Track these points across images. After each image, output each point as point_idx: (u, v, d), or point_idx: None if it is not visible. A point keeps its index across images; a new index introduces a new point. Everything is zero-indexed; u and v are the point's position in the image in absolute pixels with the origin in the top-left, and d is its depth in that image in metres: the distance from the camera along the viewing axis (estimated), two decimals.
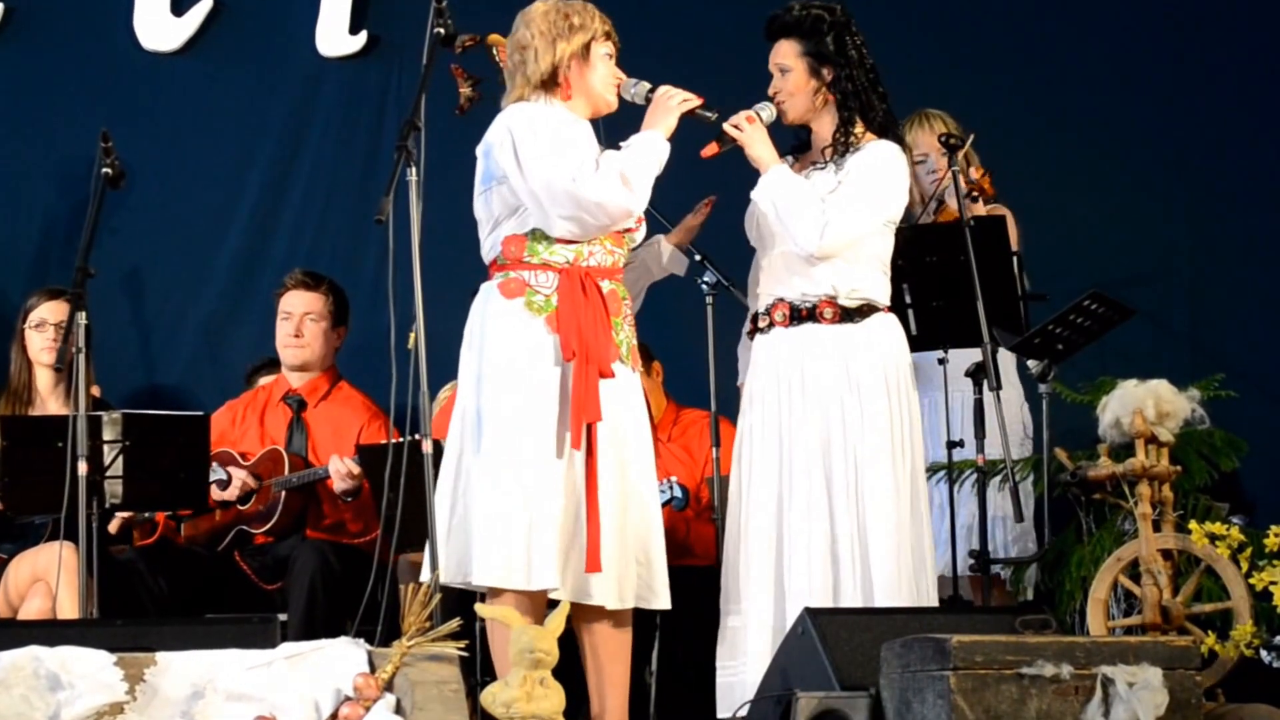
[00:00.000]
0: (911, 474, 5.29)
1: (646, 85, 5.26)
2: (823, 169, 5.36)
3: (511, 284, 5.14)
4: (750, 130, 5.34)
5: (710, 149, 5.37)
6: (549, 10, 5.20)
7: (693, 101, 5.25)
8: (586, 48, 5.19)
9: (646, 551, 5.11)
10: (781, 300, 5.34)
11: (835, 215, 5.23)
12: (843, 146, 5.35)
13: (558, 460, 5.03)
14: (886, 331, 5.34)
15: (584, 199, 5.03)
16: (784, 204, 5.27)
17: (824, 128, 5.42)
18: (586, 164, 5.06)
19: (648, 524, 5.12)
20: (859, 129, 5.36)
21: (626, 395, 5.15)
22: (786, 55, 5.41)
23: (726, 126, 5.34)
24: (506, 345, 5.11)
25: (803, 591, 5.14)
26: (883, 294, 5.36)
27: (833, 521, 5.19)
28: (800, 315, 5.31)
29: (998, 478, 5.79)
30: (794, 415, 5.26)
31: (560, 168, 5.04)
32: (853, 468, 5.22)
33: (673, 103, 5.21)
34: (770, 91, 5.43)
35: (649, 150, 5.13)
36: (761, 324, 5.38)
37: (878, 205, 5.32)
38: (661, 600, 5.12)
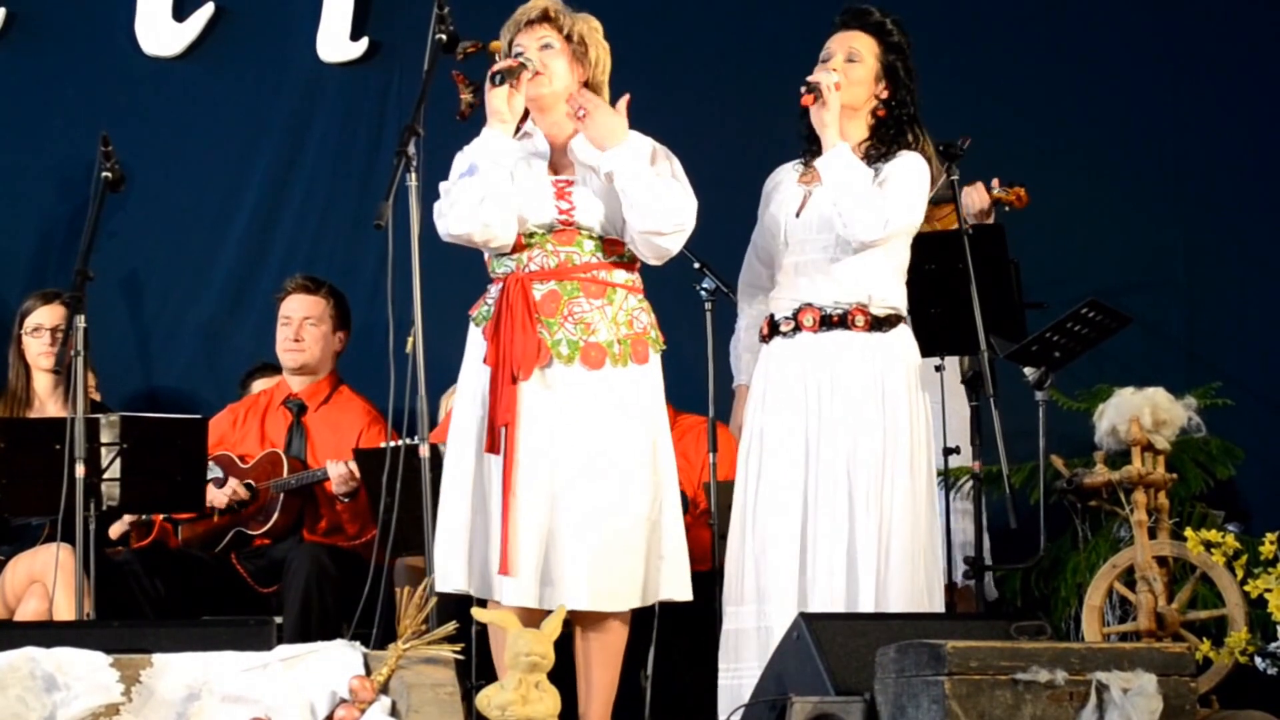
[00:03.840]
0: (928, 484, 5.30)
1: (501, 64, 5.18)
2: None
3: (481, 299, 5.23)
4: (834, 99, 5.25)
5: (809, 100, 5.23)
6: None
7: (493, 70, 5.13)
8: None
9: (594, 552, 5.01)
10: (810, 305, 5.29)
11: (892, 210, 5.19)
12: (873, 158, 5.31)
13: (478, 465, 5.07)
14: (909, 342, 5.34)
15: (444, 235, 5.15)
16: (855, 186, 5.19)
17: (849, 133, 5.35)
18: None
19: (596, 525, 5.03)
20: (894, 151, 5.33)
21: (572, 396, 5.09)
22: (866, 47, 5.34)
23: (824, 85, 5.22)
24: (465, 356, 5.21)
25: (824, 597, 5.13)
26: (904, 304, 5.35)
27: (853, 529, 5.17)
28: (831, 321, 5.27)
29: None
30: (823, 420, 5.22)
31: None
32: (877, 476, 5.19)
33: (492, 81, 5.13)
34: (831, 68, 5.31)
35: (475, 155, 5.11)
36: (785, 328, 5.31)
37: (916, 210, 5.30)
38: (597, 601, 5.03)
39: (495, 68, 5.13)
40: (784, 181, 5.45)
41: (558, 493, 5.04)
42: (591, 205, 5.14)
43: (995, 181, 6.43)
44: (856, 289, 5.27)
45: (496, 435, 5.03)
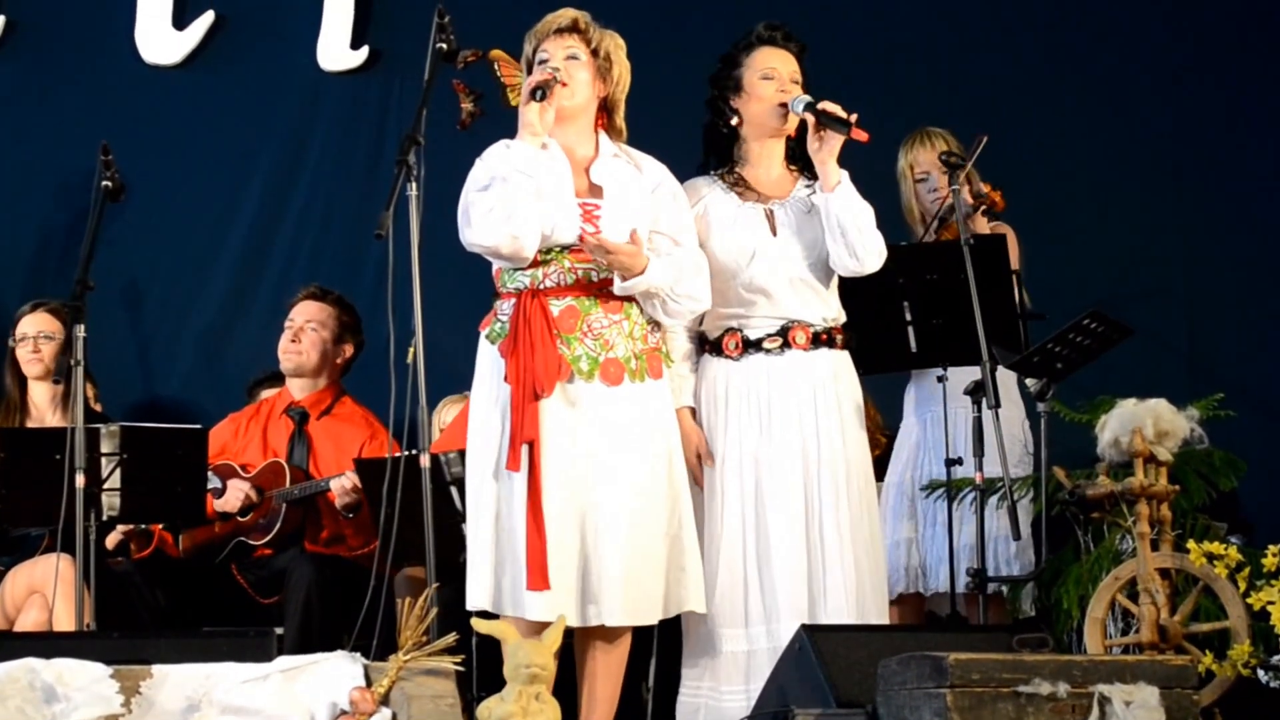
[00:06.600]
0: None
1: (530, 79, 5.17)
2: (812, 190, 5.38)
3: (490, 315, 5.18)
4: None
5: (861, 135, 5.22)
6: None
7: (531, 84, 5.10)
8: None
9: (625, 568, 5.02)
10: (799, 323, 5.31)
11: (882, 241, 5.32)
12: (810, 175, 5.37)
13: (499, 483, 5.05)
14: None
15: (467, 245, 5.08)
16: (865, 219, 5.27)
17: (774, 154, 5.40)
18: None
19: (624, 541, 5.02)
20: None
21: (593, 411, 5.07)
22: (797, 68, 5.39)
23: (847, 119, 5.24)
24: (477, 374, 5.16)
25: (837, 606, 5.15)
26: None
27: (854, 538, 5.22)
28: (820, 339, 5.32)
29: (996, 495, 5.79)
30: (820, 435, 5.27)
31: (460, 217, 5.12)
32: (858, 488, 5.27)
33: (523, 98, 5.13)
34: (790, 95, 5.35)
35: (504, 168, 5.05)
36: (769, 345, 5.33)
37: None
38: (633, 616, 5.05)
39: (532, 81, 5.09)
40: (716, 199, 5.40)
41: (584, 509, 5.03)
42: (617, 230, 5.12)
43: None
44: (835, 306, 5.37)
45: (518, 452, 5.02)
